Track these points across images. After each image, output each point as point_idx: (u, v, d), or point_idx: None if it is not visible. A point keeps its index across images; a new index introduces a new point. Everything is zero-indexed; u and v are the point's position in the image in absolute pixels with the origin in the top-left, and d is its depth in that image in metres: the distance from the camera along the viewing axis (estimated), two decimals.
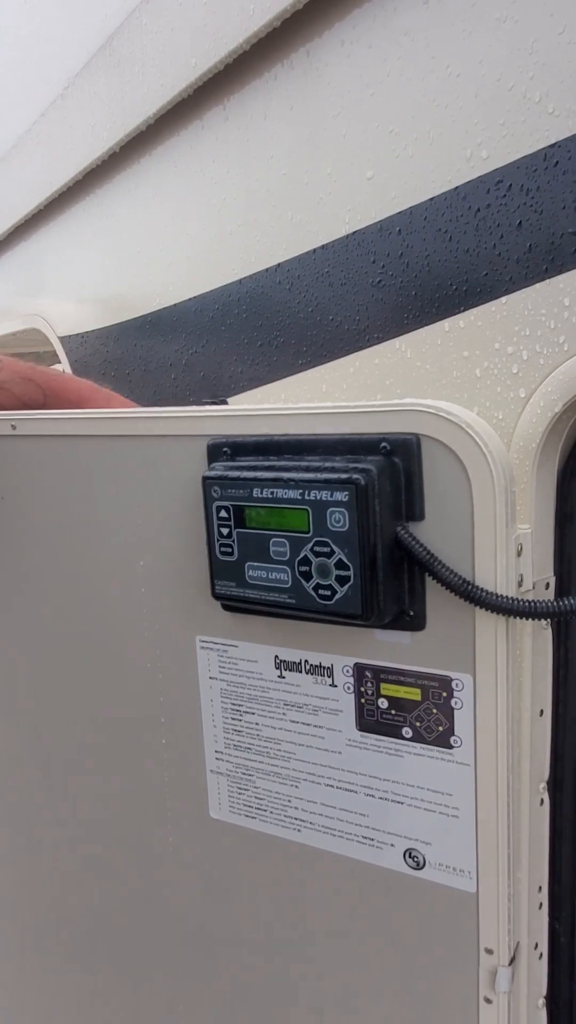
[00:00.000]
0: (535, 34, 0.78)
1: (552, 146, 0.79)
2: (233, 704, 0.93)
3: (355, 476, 0.71)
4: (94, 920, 1.16)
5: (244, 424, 0.85)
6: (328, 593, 0.75)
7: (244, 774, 0.94)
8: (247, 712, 0.92)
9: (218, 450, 0.87)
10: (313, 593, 0.77)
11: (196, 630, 0.94)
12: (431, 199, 0.92)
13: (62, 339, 2.11)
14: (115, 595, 1.01)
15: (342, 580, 0.74)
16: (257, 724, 0.92)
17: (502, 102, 0.82)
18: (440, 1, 0.87)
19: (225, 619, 0.91)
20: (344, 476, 0.72)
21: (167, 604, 0.96)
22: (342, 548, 0.73)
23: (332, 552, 0.74)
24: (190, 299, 1.42)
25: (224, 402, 1.37)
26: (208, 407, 0.89)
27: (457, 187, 0.88)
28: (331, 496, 0.73)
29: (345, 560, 0.73)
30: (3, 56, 2.18)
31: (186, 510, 0.91)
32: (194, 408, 0.89)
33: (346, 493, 0.72)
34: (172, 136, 1.41)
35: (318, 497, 0.74)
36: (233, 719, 0.93)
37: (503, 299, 0.85)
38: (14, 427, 1.06)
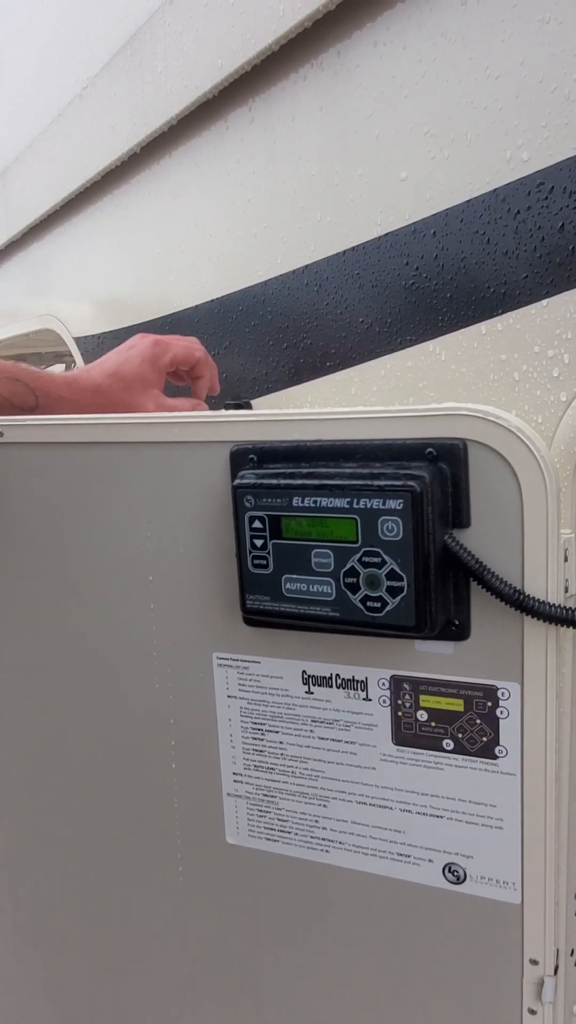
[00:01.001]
0: None
1: None
2: (255, 723, 0.89)
3: (410, 483, 0.70)
4: (100, 955, 1.10)
5: (274, 429, 0.81)
6: (377, 605, 0.73)
7: (265, 795, 0.91)
8: (270, 731, 0.89)
9: (243, 457, 0.82)
10: (360, 605, 0.74)
11: (212, 647, 0.90)
12: (468, 201, 0.91)
13: (77, 340, 2.10)
14: (120, 613, 0.95)
15: (394, 591, 0.72)
16: (282, 743, 0.88)
17: (544, 104, 0.81)
18: (480, 3, 0.86)
19: (246, 634, 0.87)
20: (398, 483, 0.70)
21: (179, 621, 0.92)
22: (395, 558, 0.71)
23: (383, 562, 0.72)
24: (212, 300, 1.42)
25: (248, 405, 1.36)
26: (231, 412, 0.86)
27: (496, 189, 0.88)
28: (383, 504, 0.71)
29: (398, 570, 0.72)
30: (23, 56, 2.17)
31: (203, 521, 0.87)
32: (215, 413, 0.85)
33: (400, 501, 0.70)
34: (194, 137, 1.40)
35: (368, 505, 0.72)
36: (255, 739, 0.90)
37: (544, 302, 0.85)
38: (1, 434, 0.97)
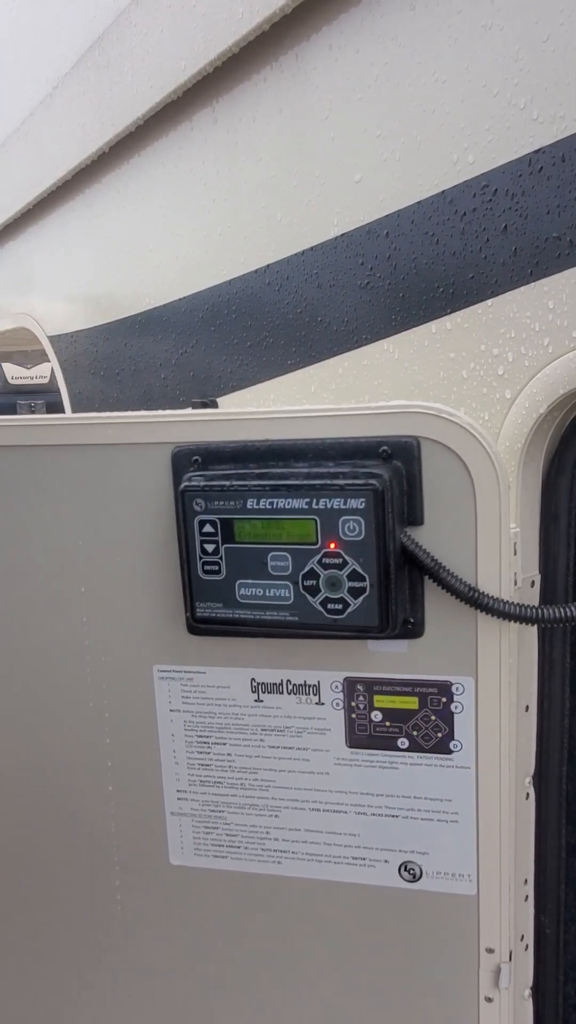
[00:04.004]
0: (520, 42, 0.79)
1: (537, 151, 0.80)
2: (200, 737, 0.87)
3: (371, 481, 0.69)
4: (37, 992, 1.05)
5: (219, 429, 0.79)
6: (339, 607, 0.73)
7: (213, 811, 0.89)
8: (217, 743, 0.87)
9: (186, 459, 0.80)
10: (321, 608, 0.74)
11: (152, 659, 0.88)
12: (418, 203, 0.93)
13: (51, 338, 2.11)
14: (48, 628, 0.91)
15: (356, 592, 0.72)
16: (229, 755, 0.87)
17: (488, 108, 0.83)
18: (427, 8, 0.87)
19: (189, 644, 0.85)
20: (360, 482, 0.70)
21: (116, 634, 0.88)
22: (356, 558, 0.71)
23: (344, 563, 0.72)
24: (180, 299, 1.43)
25: (214, 403, 1.37)
26: (171, 412, 0.83)
27: (444, 191, 0.89)
28: (345, 503, 0.71)
29: (360, 571, 0.71)
30: None
31: (141, 527, 0.84)
32: (155, 413, 0.83)
33: (362, 500, 0.70)
34: (161, 137, 1.41)
35: (329, 505, 0.71)
36: (200, 752, 0.88)
37: (489, 302, 0.86)
38: None
